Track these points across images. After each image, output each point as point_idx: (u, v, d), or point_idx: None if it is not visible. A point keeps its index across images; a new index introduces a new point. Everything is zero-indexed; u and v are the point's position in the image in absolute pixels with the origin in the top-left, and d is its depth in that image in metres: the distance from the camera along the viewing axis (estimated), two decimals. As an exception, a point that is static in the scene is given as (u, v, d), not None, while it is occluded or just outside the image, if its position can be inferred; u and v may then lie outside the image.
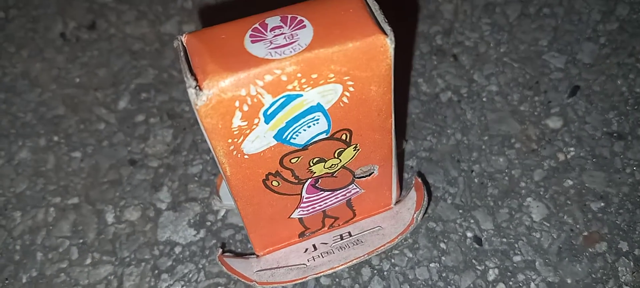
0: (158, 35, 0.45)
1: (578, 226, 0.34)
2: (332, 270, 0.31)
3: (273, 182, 0.27)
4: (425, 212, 0.35)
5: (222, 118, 0.23)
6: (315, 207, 0.31)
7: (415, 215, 0.32)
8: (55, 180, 0.38)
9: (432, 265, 0.33)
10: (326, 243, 0.32)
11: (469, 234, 0.34)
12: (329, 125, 0.26)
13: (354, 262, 0.31)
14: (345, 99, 0.25)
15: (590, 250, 0.33)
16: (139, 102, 0.42)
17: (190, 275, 0.34)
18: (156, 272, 0.34)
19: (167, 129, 0.40)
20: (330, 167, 0.28)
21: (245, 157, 0.25)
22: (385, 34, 0.23)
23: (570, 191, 0.36)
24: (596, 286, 0.32)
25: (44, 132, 0.41)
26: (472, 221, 0.35)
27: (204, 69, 0.23)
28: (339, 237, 0.32)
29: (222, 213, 0.36)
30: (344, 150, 0.27)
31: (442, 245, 0.34)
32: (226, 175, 0.26)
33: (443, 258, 0.34)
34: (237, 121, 0.24)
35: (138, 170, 0.38)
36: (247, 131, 0.24)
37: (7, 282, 0.34)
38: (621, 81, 0.40)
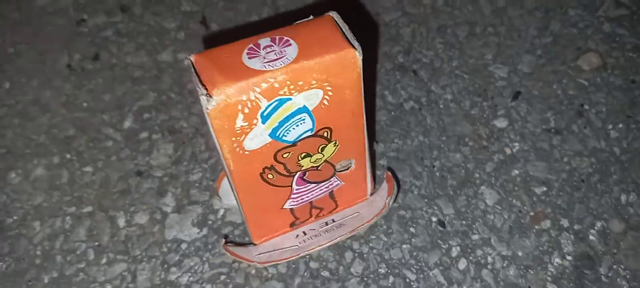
0: (156, 63, 0.51)
1: (525, 207, 0.40)
2: (320, 247, 0.36)
3: (268, 174, 0.33)
4: (396, 199, 0.41)
5: (228, 119, 0.29)
6: (303, 198, 0.36)
7: (387, 201, 0.38)
8: (70, 192, 0.43)
9: (404, 246, 0.39)
10: (314, 229, 0.38)
11: (434, 219, 0.40)
12: (313, 124, 0.31)
13: (338, 240, 0.37)
14: (325, 102, 0.31)
15: (536, 227, 0.40)
16: (142, 121, 0.47)
17: (196, 267, 0.39)
18: (165, 266, 0.39)
19: (168, 143, 0.45)
20: (315, 161, 0.34)
21: (246, 152, 0.31)
22: (355, 48, 0.30)
23: (517, 179, 0.42)
24: (543, 257, 0.38)
25: (56, 151, 0.45)
26: (436, 208, 0.41)
27: (212, 80, 0.28)
28: (324, 223, 0.38)
29: (221, 213, 0.41)
30: (326, 146, 0.33)
31: (412, 229, 0.40)
32: (230, 170, 0.32)
33: (413, 240, 0.39)
34: (239, 122, 0.29)
35: (144, 180, 0.43)
36: (248, 130, 0.30)
37: (30, 283, 0.38)
38: (556, 85, 0.47)
